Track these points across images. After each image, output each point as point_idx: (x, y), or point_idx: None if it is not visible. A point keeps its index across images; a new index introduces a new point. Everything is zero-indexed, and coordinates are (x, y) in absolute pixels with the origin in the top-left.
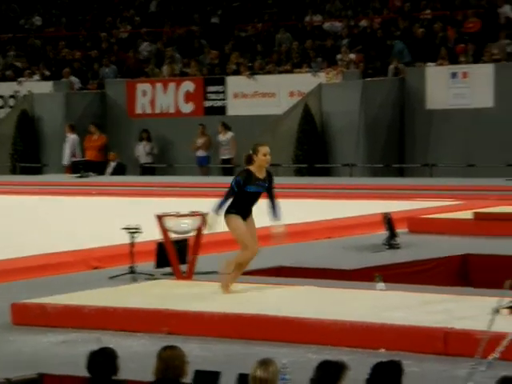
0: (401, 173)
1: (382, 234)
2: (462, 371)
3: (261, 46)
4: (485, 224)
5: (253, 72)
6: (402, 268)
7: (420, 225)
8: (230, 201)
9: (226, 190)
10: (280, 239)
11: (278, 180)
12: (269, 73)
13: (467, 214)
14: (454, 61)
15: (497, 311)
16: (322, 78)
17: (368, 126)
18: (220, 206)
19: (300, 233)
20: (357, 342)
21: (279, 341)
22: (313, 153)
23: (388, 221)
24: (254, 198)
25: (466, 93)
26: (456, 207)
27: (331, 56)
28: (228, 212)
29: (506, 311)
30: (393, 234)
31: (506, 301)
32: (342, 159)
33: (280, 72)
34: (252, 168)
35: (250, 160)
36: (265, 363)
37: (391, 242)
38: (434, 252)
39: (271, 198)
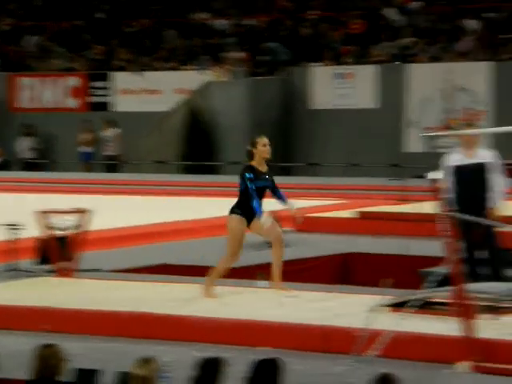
0: (286, 171)
1: None
2: (341, 368)
3: (148, 43)
4: (368, 223)
5: (139, 68)
6: (285, 266)
7: (305, 223)
8: (256, 198)
9: (244, 192)
10: (300, 220)
11: (164, 177)
12: (155, 69)
13: (351, 213)
14: (338, 61)
15: (376, 309)
16: (209, 75)
17: (254, 124)
18: (258, 206)
19: (185, 230)
20: (239, 339)
21: (161, 339)
22: (199, 150)
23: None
24: (260, 195)
25: (350, 93)
26: (340, 206)
27: (218, 54)
28: (232, 212)
29: (385, 309)
30: None
31: (385, 299)
32: (228, 157)
33: (167, 69)
34: (254, 163)
35: (250, 156)
36: (145, 361)
37: None
38: (318, 250)
39: (275, 188)
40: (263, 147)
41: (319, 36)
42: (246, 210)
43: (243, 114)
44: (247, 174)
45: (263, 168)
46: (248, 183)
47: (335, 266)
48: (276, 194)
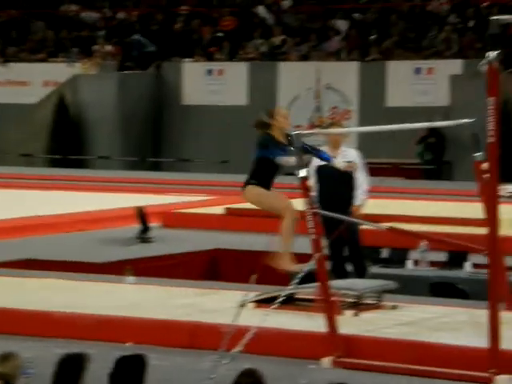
0: (156, 167)
1: (136, 227)
2: (206, 364)
3: (15, 33)
4: (236, 219)
5: (6, 59)
6: (153, 262)
7: (174, 219)
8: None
9: (260, 161)
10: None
11: (31, 171)
12: (23, 61)
13: (220, 209)
14: (210, 58)
15: (242, 305)
16: (78, 68)
17: (124, 118)
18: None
19: (52, 225)
20: (105, 335)
21: (24, 335)
22: (67, 144)
23: (141, 214)
24: (277, 167)
25: (221, 90)
26: (209, 202)
27: (88, 47)
28: (248, 183)
29: (251, 305)
30: (146, 228)
31: (251, 295)
32: (97, 151)
33: (35, 61)
34: (272, 133)
35: (266, 127)
36: (5, 357)
37: (144, 236)
38: (186, 246)
39: (311, 151)
40: (283, 119)
41: (191, 32)
42: (261, 181)
43: (112, 108)
44: (266, 137)
45: (282, 139)
46: (268, 140)
47: (203, 262)
48: (315, 154)
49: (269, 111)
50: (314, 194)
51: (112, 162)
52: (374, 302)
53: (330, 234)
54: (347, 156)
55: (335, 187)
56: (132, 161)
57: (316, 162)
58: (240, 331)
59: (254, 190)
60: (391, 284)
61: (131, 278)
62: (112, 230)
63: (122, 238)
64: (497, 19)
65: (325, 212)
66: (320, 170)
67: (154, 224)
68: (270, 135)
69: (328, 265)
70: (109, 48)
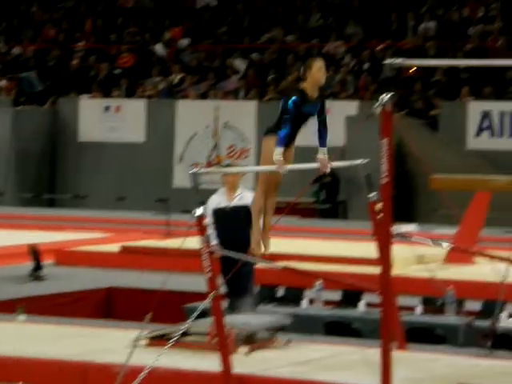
0: (52, 204)
1: (28, 265)
2: None
3: None
4: (131, 257)
5: None
6: (46, 300)
7: (68, 257)
8: (288, 128)
9: (281, 116)
10: (324, 166)
11: None
12: None
13: (115, 247)
14: (107, 94)
15: (136, 344)
16: None
17: (18, 155)
18: (284, 137)
19: None
20: None
21: None
22: None
23: (34, 252)
24: (303, 121)
25: (119, 127)
26: (104, 240)
27: None
28: (270, 131)
29: (145, 344)
30: (39, 266)
31: (145, 334)
32: None
33: None
34: (304, 86)
35: (301, 79)
36: None
37: (37, 274)
38: (80, 284)
39: (322, 123)
40: (318, 71)
41: (88, 68)
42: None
43: (7, 144)
44: (294, 98)
45: (314, 94)
46: (290, 105)
47: (97, 301)
48: (321, 127)
49: (306, 62)
50: (210, 232)
51: (6, 199)
52: (268, 337)
53: (227, 273)
54: (243, 199)
55: (230, 231)
56: (27, 197)
57: (213, 203)
58: (133, 371)
59: (268, 145)
60: (285, 319)
61: (22, 317)
62: (4, 267)
63: (14, 275)
64: (390, 63)
65: (221, 250)
66: (217, 211)
67: (47, 262)
68: (299, 90)
69: (225, 303)
70: (3, 83)
